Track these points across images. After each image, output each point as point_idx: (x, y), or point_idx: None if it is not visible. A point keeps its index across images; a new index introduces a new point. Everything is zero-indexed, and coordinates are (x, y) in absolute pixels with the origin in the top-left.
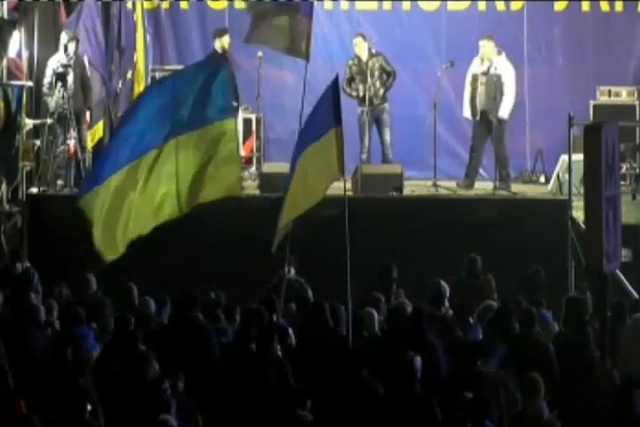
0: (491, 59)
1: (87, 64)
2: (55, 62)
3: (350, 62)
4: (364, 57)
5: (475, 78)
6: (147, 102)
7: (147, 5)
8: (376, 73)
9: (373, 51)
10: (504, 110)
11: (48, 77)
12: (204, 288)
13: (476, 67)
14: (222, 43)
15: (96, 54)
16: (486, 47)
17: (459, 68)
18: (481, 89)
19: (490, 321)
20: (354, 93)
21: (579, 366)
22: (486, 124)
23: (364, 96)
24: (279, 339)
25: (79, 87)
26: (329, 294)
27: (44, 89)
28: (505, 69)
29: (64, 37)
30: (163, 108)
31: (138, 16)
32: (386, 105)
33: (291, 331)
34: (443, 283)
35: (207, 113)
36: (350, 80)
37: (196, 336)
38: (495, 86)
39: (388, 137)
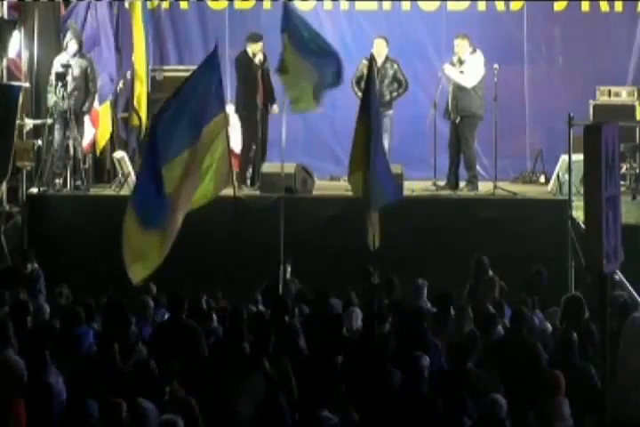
0: (462, 57)
1: (90, 64)
2: (57, 62)
3: (364, 62)
4: (380, 60)
5: (447, 79)
6: (167, 117)
7: (147, 5)
8: (386, 80)
9: (391, 56)
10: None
11: (52, 77)
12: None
13: (446, 65)
14: (253, 49)
15: (105, 53)
16: (460, 46)
17: None
18: (449, 88)
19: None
20: (359, 94)
21: (562, 365)
22: (451, 122)
23: None
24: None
25: (82, 87)
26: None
27: (49, 88)
28: (470, 68)
29: (69, 36)
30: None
31: (136, 16)
32: (390, 112)
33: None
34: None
35: (209, 111)
36: (360, 79)
37: (185, 338)
38: (458, 84)
39: (385, 143)
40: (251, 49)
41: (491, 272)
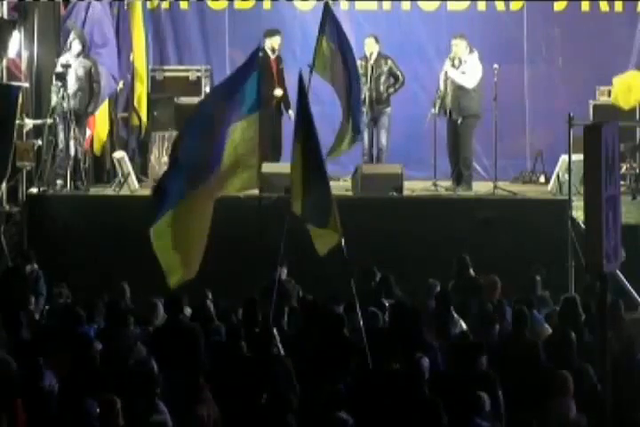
0: (461, 58)
1: (94, 64)
2: (59, 62)
3: (359, 62)
4: (373, 58)
5: (446, 77)
6: (200, 121)
7: (147, 5)
8: (383, 77)
9: (383, 53)
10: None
11: (54, 77)
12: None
13: (447, 66)
14: (272, 43)
15: (105, 53)
16: (458, 46)
17: None
18: (449, 88)
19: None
20: None
21: (559, 365)
22: (452, 123)
23: (365, 97)
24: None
25: (86, 88)
26: (322, 294)
27: (52, 88)
28: (471, 68)
29: (72, 36)
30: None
31: (137, 16)
32: (388, 109)
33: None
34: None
35: (241, 111)
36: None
37: (184, 338)
38: (460, 85)
39: (384, 140)
40: (269, 44)
41: (472, 271)
